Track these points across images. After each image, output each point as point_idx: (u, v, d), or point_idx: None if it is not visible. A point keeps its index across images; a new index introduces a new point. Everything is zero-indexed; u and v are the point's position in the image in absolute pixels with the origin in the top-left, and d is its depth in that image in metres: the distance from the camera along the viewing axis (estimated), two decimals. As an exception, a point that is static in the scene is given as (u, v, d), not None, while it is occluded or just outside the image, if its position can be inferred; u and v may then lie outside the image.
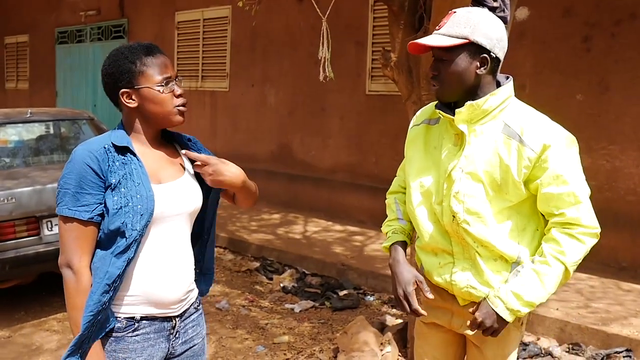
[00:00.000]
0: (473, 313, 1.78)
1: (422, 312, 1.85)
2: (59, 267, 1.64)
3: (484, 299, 1.78)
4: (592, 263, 1.82)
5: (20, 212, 4.12)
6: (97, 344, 1.63)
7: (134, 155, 1.67)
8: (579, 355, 3.70)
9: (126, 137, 1.69)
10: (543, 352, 3.76)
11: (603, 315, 4.08)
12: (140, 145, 1.72)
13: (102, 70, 1.72)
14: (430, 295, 1.82)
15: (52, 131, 5.36)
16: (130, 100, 1.68)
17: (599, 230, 1.76)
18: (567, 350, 3.79)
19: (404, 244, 1.97)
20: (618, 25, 5.08)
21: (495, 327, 1.76)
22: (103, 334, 1.64)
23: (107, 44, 10.66)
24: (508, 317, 1.75)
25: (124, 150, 1.66)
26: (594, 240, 1.75)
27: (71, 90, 11.76)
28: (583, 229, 1.73)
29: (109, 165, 1.62)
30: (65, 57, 11.98)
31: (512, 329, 1.87)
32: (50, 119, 5.31)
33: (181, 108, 1.71)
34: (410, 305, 1.82)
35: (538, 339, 3.95)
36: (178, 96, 1.70)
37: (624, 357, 3.63)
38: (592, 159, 5.11)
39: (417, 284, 1.84)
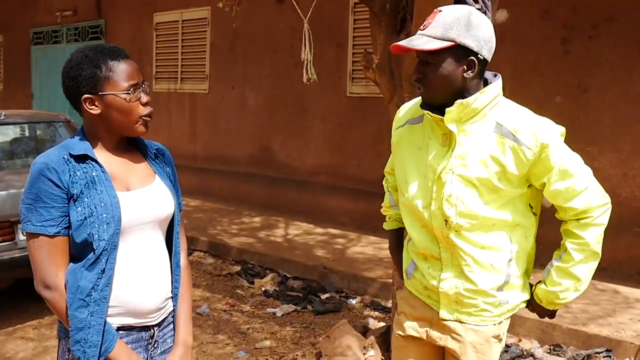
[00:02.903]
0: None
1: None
2: (36, 291, 1.58)
3: (530, 301, 1.85)
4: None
5: (-6, 217, 4.02)
6: (120, 348, 1.59)
7: (95, 162, 1.59)
8: (560, 356, 3.72)
9: (84, 144, 1.60)
10: (525, 353, 3.77)
11: (582, 315, 4.11)
12: (103, 152, 1.64)
13: (63, 72, 1.62)
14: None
15: (27, 134, 5.26)
16: (93, 107, 1.59)
17: (609, 201, 1.76)
18: (549, 351, 3.81)
19: (400, 230, 2.12)
20: (596, 28, 5.14)
21: (550, 313, 1.87)
22: (111, 349, 1.58)
23: (84, 45, 10.47)
24: (556, 308, 1.85)
25: (84, 159, 1.58)
26: (609, 213, 1.75)
27: (47, 92, 11.56)
28: (597, 211, 1.73)
29: (69, 176, 1.54)
30: (41, 58, 11.78)
31: (492, 342, 1.84)
32: (25, 121, 5.21)
33: (146, 118, 1.62)
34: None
35: (520, 340, 3.96)
36: (145, 104, 1.61)
37: (604, 357, 3.66)
38: (571, 161, 5.14)
39: None
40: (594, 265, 1.77)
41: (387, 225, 2.14)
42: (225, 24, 7.57)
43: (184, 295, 1.79)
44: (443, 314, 1.83)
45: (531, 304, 1.87)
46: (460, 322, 1.82)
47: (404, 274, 1.97)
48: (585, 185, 1.72)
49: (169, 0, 8.98)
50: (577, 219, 1.73)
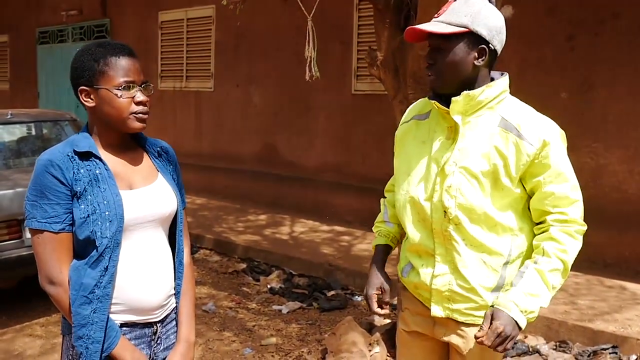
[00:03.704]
0: (486, 327, 1.65)
1: (381, 312, 1.93)
2: (41, 287, 1.59)
3: (492, 307, 1.68)
4: (577, 260, 1.81)
5: (2, 215, 4.05)
6: (123, 345, 1.60)
7: (99, 159, 1.60)
8: (567, 353, 3.72)
9: (89, 140, 1.62)
10: (531, 350, 3.77)
11: (589, 312, 4.11)
12: (106, 149, 1.65)
13: (70, 64, 1.66)
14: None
15: (33, 133, 5.29)
16: (89, 99, 1.62)
17: (586, 227, 1.76)
18: (555, 347, 3.81)
19: (386, 247, 2.02)
20: (601, 25, 5.12)
21: (513, 335, 1.64)
22: (114, 345, 1.59)
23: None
24: (522, 321, 1.66)
25: (88, 156, 1.59)
26: (581, 238, 1.75)
27: (53, 91, 11.61)
28: (579, 227, 1.73)
29: (73, 173, 1.56)
30: (46, 57, 11.83)
31: None
32: (32, 120, 5.24)
33: (140, 115, 1.62)
34: (369, 306, 1.93)
35: (525, 337, 3.96)
36: (138, 103, 1.61)
37: (610, 353, 3.65)
38: (577, 157, 5.13)
39: (381, 291, 1.92)
40: (561, 282, 1.71)
41: (375, 241, 2.04)
42: (230, 22, 7.58)
43: (186, 292, 1.80)
44: (435, 310, 1.81)
45: (494, 311, 1.66)
46: (452, 319, 1.81)
47: (399, 272, 1.96)
48: (577, 198, 1.73)
49: (174, -1, 9.00)
50: (562, 224, 1.71)
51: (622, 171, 5.06)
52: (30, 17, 12.11)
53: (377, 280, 1.93)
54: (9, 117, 4.92)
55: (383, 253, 2.01)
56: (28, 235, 4.15)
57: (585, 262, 4.88)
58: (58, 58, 11.47)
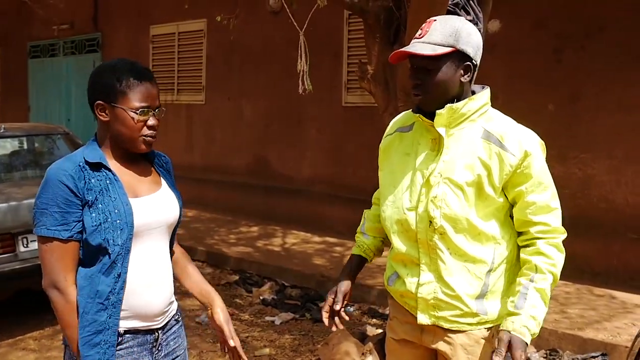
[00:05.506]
0: (503, 350, 1.71)
1: (324, 318, 2.03)
2: (43, 289, 1.63)
3: (505, 331, 1.73)
4: (566, 270, 1.86)
5: (-5, 229, 4.05)
6: None
7: (109, 170, 1.67)
8: (557, 361, 3.76)
9: (99, 152, 1.69)
10: (521, 358, 3.80)
11: (578, 320, 4.16)
12: (114, 160, 1.71)
13: (90, 75, 1.72)
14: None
15: (25, 146, 5.30)
16: (103, 114, 1.68)
17: (566, 234, 1.83)
18: (545, 356, 3.85)
19: (359, 257, 2.09)
20: (588, 38, 5.23)
21: (525, 357, 1.74)
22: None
23: (81, 57, 10.57)
24: (530, 341, 1.75)
25: (98, 166, 1.66)
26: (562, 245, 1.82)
27: (44, 105, 11.61)
28: (562, 236, 1.79)
29: (85, 183, 1.62)
30: (38, 71, 11.83)
31: (485, 343, 1.84)
32: (24, 134, 5.25)
33: (148, 139, 1.70)
34: (322, 308, 2.05)
35: (516, 345, 3.99)
36: (150, 127, 1.69)
37: (599, 361, 3.70)
38: (565, 168, 5.22)
39: (333, 299, 2.01)
40: (550, 292, 1.78)
41: (353, 250, 2.13)
42: (221, 35, 7.64)
43: (193, 272, 1.96)
44: (421, 318, 1.84)
45: (512, 338, 1.72)
46: (439, 327, 1.84)
47: (385, 281, 1.99)
48: (556, 206, 1.79)
49: (165, 13, 9.05)
50: (546, 236, 1.77)
51: (610, 181, 5.14)
52: (21, 31, 12.12)
53: (337, 287, 2.03)
54: (1, 131, 4.93)
55: (355, 262, 2.08)
56: (22, 248, 4.16)
57: (574, 272, 4.94)
58: (49, 72, 11.48)
